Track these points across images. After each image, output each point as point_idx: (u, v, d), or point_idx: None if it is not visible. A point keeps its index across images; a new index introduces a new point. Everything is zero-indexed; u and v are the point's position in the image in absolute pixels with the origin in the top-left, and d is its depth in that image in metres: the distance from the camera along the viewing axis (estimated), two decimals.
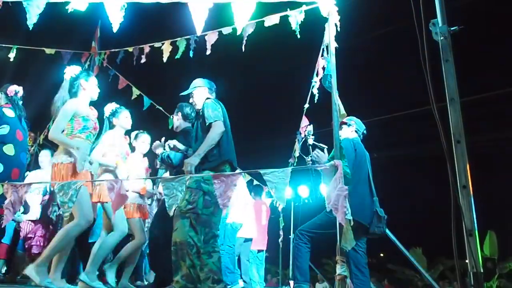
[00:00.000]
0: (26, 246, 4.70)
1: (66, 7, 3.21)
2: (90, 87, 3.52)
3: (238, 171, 3.28)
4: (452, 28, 2.33)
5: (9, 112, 3.68)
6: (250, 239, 6.34)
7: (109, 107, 4.18)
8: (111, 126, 4.15)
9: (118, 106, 4.23)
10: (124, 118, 4.19)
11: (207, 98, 3.61)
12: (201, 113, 3.57)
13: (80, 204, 3.12)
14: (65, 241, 3.17)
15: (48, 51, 5.39)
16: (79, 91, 3.46)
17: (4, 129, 3.57)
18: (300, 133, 4.45)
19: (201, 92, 3.75)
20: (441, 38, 2.30)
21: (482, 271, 1.90)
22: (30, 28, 3.10)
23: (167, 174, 4.40)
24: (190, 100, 3.78)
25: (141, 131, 4.50)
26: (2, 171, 3.48)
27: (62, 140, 3.25)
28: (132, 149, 4.41)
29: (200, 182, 3.28)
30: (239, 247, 6.03)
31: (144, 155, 4.49)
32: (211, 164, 3.34)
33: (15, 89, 3.82)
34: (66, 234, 3.16)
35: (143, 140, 4.41)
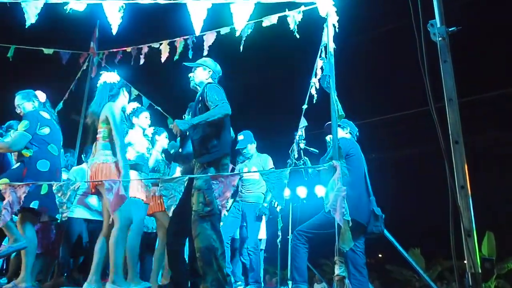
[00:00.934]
0: None
1: (64, 7, 3.21)
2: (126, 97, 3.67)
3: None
4: (450, 29, 2.33)
5: (46, 115, 3.79)
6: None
7: (130, 107, 4.23)
8: (131, 126, 4.19)
9: (138, 105, 4.31)
10: (144, 118, 4.26)
11: (209, 83, 3.39)
12: (200, 98, 3.35)
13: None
14: (121, 247, 3.19)
15: (46, 51, 5.39)
16: (118, 97, 3.55)
17: (45, 130, 3.68)
18: (297, 135, 4.45)
19: (204, 73, 3.48)
20: (439, 38, 2.31)
21: (480, 271, 1.90)
22: (30, 29, 3.10)
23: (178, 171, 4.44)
24: (190, 74, 3.55)
25: (141, 106, 4.43)
26: (48, 170, 3.57)
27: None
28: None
29: (210, 181, 3.07)
30: None
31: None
32: (212, 156, 3.16)
33: (44, 95, 3.96)
34: (117, 241, 3.16)
35: (146, 116, 4.32)
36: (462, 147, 2.11)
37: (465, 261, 1.97)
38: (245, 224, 5.18)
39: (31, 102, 3.85)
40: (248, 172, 4.97)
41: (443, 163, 2.12)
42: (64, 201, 2.86)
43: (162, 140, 4.35)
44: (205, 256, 2.99)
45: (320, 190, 7.77)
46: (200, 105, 3.30)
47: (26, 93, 3.89)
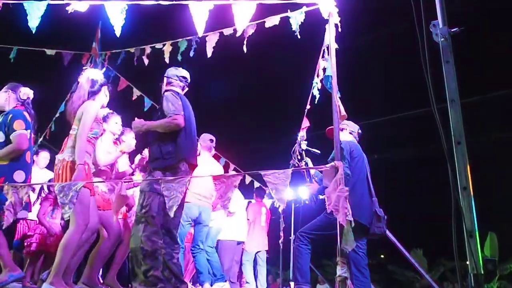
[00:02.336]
0: (26, 244, 4.71)
1: (66, 8, 3.21)
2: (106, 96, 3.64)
3: (233, 172, 3.25)
4: (452, 30, 2.33)
5: (27, 117, 3.59)
6: (241, 242, 6.38)
7: (101, 112, 4.17)
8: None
9: (110, 111, 4.19)
10: (114, 124, 4.19)
11: (166, 90, 3.41)
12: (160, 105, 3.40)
13: (79, 206, 3.09)
14: (69, 251, 3.12)
15: (48, 52, 5.40)
16: (99, 94, 3.54)
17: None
18: (299, 135, 4.44)
19: (165, 82, 3.56)
20: (442, 39, 2.30)
21: (482, 272, 1.90)
22: (34, 31, 3.11)
23: None
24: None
25: (111, 111, 4.27)
26: (24, 180, 3.43)
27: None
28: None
29: (153, 184, 3.11)
30: (233, 250, 6.09)
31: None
32: (167, 162, 3.16)
33: (28, 93, 3.73)
34: (66, 244, 3.11)
35: (116, 121, 4.22)
36: (464, 147, 2.10)
37: (468, 262, 1.97)
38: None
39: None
40: (248, 173, 4.95)
41: (446, 164, 2.12)
42: (66, 202, 2.85)
43: (129, 140, 4.35)
44: (134, 257, 3.03)
45: (303, 191, 7.79)
46: (159, 112, 3.36)
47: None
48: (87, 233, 3.42)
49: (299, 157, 4.24)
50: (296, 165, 4.25)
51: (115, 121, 4.19)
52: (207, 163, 5.03)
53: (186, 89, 3.61)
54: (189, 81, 3.62)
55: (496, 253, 16.74)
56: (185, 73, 3.60)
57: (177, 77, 3.53)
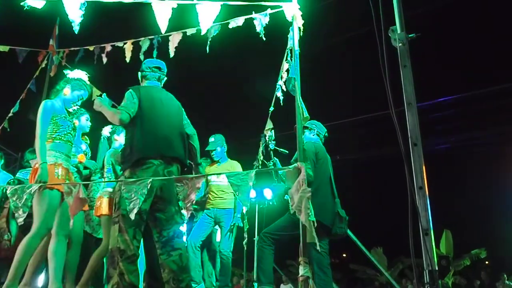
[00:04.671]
0: None
1: (22, 3, 3.08)
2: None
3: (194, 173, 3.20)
4: (410, 35, 2.41)
5: None
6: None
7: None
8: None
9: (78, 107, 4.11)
10: (85, 121, 4.16)
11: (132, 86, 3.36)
12: None
13: (38, 209, 2.99)
14: (27, 255, 3.03)
15: (1, 48, 5.15)
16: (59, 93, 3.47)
17: None
18: (265, 136, 4.47)
19: (139, 77, 3.51)
20: (399, 44, 2.38)
21: (437, 268, 1.97)
22: None
23: None
24: None
25: (81, 108, 4.09)
26: None
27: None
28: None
29: (121, 186, 3.01)
30: None
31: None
32: (125, 166, 3.10)
33: None
34: (25, 248, 3.01)
35: (87, 118, 4.21)
36: (420, 149, 2.18)
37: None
38: (217, 229, 5.17)
39: None
40: (213, 174, 4.94)
41: (403, 165, 2.19)
42: (19, 206, 2.73)
43: (121, 139, 4.26)
44: (110, 258, 2.99)
45: (268, 192, 7.88)
46: None
47: None
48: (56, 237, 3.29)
49: (262, 158, 4.27)
50: (260, 164, 4.27)
51: (86, 117, 4.17)
52: None
53: (165, 78, 3.52)
54: (164, 70, 3.52)
55: (452, 250, 17.51)
56: (158, 63, 3.52)
57: (149, 68, 3.46)
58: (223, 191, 5.00)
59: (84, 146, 4.38)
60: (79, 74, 3.64)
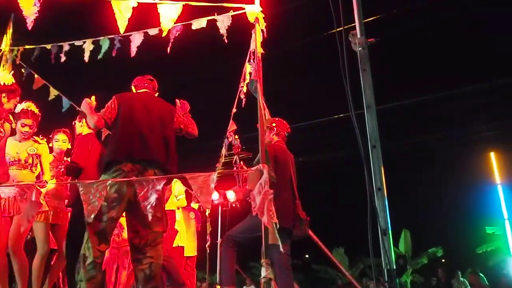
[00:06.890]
0: None
1: None
2: None
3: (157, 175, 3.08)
4: (369, 40, 2.47)
5: None
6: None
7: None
8: None
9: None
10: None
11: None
12: None
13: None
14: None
15: None
16: None
17: None
18: (228, 138, 4.45)
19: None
20: (360, 48, 2.43)
21: (394, 267, 2.02)
22: None
23: None
24: None
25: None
26: None
27: None
28: None
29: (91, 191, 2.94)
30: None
31: None
32: (103, 171, 3.07)
33: None
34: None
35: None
36: (379, 151, 2.23)
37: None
38: None
39: None
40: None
41: (363, 166, 2.23)
42: None
43: None
44: (78, 265, 2.90)
45: (231, 195, 7.87)
46: None
47: None
48: None
49: (223, 160, 4.25)
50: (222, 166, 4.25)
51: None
52: None
53: (156, 86, 3.57)
54: (144, 79, 3.51)
55: (410, 249, 18.13)
56: (137, 78, 3.52)
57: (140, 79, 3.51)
58: None
59: None
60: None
